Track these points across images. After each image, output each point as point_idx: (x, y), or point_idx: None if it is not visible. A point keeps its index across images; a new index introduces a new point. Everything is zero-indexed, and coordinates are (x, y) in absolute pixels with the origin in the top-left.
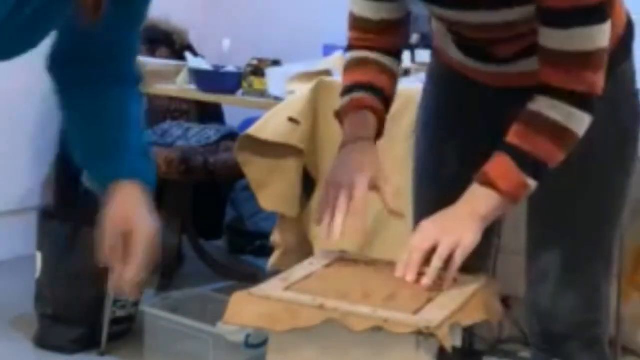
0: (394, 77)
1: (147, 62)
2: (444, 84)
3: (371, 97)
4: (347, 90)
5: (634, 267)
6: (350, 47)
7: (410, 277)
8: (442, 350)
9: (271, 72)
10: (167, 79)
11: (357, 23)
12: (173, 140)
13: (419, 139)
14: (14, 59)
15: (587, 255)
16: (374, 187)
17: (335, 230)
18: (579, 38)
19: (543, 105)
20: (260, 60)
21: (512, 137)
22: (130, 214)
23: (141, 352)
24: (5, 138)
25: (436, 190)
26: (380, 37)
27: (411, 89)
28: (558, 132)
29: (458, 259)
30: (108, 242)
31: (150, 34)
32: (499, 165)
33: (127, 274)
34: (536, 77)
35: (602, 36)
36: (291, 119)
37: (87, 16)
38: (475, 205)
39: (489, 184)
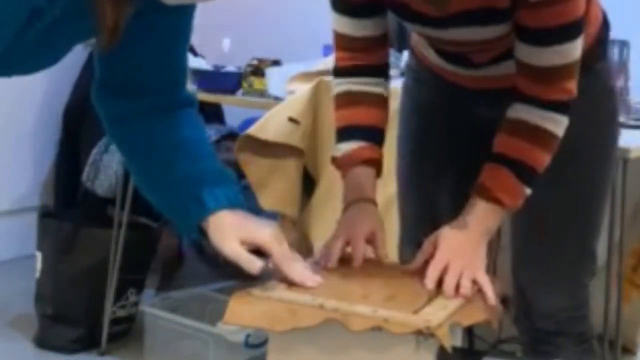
0: (385, 102)
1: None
2: (422, 81)
3: (365, 145)
4: (342, 135)
5: (634, 267)
6: (337, 69)
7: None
8: (442, 350)
9: (271, 72)
10: None
11: (342, 42)
12: None
13: (400, 138)
14: (35, 73)
15: (572, 252)
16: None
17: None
18: (557, 54)
19: (525, 113)
20: (260, 60)
21: (505, 148)
22: (240, 232)
23: (141, 352)
24: (5, 138)
25: (417, 188)
26: (365, 54)
27: None
28: (544, 138)
29: (466, 282)
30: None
31: None
32: (501, 180)
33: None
34: (509, 80)
35: (578, 47)
36: (291, 119)
37: (104, 39)
38: (485, 223)
39: (494, 200)
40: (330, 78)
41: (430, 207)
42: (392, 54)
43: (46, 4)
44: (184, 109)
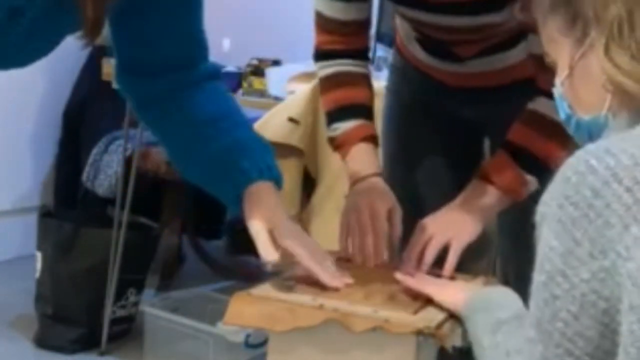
0: (369, 82)
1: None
2: (407, 80)
3: (362, 123)
4: (338, 115)
5: None
6: (322, 52)
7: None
8: (442, 350)
9: (271, 72)
10: None
11: (327, 25)
12: None
13: (385, 137)
14: (29, 65)
15: None
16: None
17: (367, 252)
18: None
19: (542, 105)
20: (260, 60)
21: (511, 135)
22: (272, 216)
23: (141, 352)
24: (5, 138)
25: (402, 187)
26: (349, 37)
27: None
28: (557, 130)
29: (452, 256)
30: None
31: None
32: (496, 162)
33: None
34: (493, 78)
35: None
36: (291, 119)
37: (87, 32)
38: (475, 201)
39: (486, 179)
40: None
41: (416, 205)
42: (384, 49)
43: (25, 2)
44: (209, 81)
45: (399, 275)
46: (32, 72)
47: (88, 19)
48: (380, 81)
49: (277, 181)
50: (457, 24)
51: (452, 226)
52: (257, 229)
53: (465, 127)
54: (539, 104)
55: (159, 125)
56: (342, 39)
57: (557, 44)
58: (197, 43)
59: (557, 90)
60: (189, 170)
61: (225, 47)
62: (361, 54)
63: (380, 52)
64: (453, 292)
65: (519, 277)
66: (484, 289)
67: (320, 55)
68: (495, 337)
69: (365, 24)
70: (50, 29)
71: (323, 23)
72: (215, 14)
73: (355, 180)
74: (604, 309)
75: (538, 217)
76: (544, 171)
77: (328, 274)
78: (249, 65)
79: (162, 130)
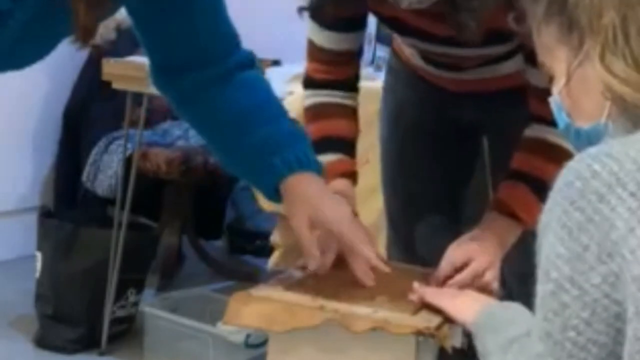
0: (355, 115)
1: (147, 62)
2: (404, 81)
3: (342, 157)
4: (319, 147)
5: None
6: (311, 80)
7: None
8: (442, 350)
9: (271, 72)
10: None
11: (319, 54)
12: (173, 140)
13: (383, 138)
14: (24, 68)
15: None
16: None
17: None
18: None
19: (541, 131)
20: (260, 60)
21: (523, 165)
22: (315, 212)
23: (141, 352)
24: (5, 138)
25: (402, 188)
26: (340, 68)
27: None
28: (562, 156)
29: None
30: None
31: None
32: (519, 196)
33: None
34: (493, 83)
35: None
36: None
37: (78, 38)
38: (503, 237)
39: (514, 216)
40: None
41: (416, 206)
42: (384, 49)
43: (12, 5)
44: (242, 72)
45: (415, 285)
46: (32, 72)
47: (80, 24)
48: (380, 81)
49: (317, 170)
50: (461, 54)
51: (488, 254)
52: (298, 231)
53: (464, 127)
54: (539, 131)
55: (197, 120)
56: (332, 69)
57: (552, 53)
58: (223, 35)
59: (555, 100)
60: (228, 164)
61: None
62: (351, 84)
63: (381, 52)
64: (465, 306)
65: (518, 278)
66: (492, 305)
67: (310, 83)
68: (506, 357)
69: (357, 53)
70: (43, 33)
71: (315, 52)
72: None
73: None
74: (617, 313)
75: (540, 226)
76: None
77: (362, 269)
78: None
79: (200, 126)
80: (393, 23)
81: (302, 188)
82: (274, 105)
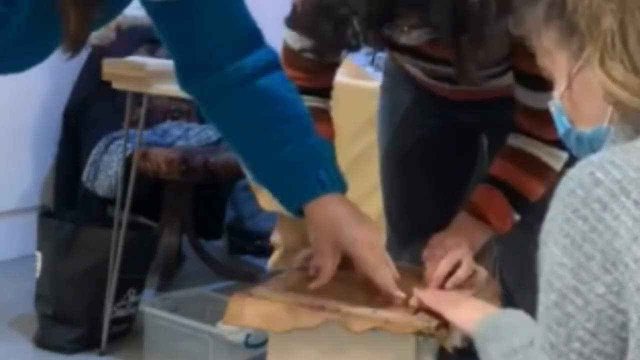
0: (330, 118)
1: (147, 62)
2: (401, 85)
3: None
4: None
5: None
6: None
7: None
8: (442, 350)
9: None
10: (167, 79)
11: (296, 61)
12: (173, 140)
13: (381, 139)
14: (23, 71)
15: None
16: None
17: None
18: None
19: (524, 143)
20: None
21: (502, 173)
22: (339, 239)
23: (141, 352)
24: (6, 138)
25: (399, 189)
26: (318, 76)
27: None
28: (541, 170)
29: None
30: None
31: (150, 34)
32: (492, 201)
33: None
34: (489, 93)
35: None
36: None
37: (68, 45)
38: (472, 238)
39: (482, 218)
40: None
41: (414, 206)
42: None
43: (5, 10)
44: (264, 76)
45: (416, 290)
46: (32, 72)
47: (71, 33)
48: (379, 81)
49: (341, 190)
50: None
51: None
52: (321, 255)
53: (462, 128)
54: (522, 142)
55: (223, 122)
56: (309, 77)
57: (553, 57)
58: (248, 32)
59: (556, 104)
60: (251, 173)
61: None
62: (326, 92)
63: (380, 52)
64: (466, 313)
65: (517, 280)
66: (494, 313)
67: None
68: None
69: (337, 65)
70: (39, 36)
71: (292, 58)
72: None
73: None
74: (622, 323)
75: (542, 235)
76: (527, 207)
77: (390, 284)
78: None
79: (225, 128)
80: (387, 42)
81: (325, 212)
82: (296, 117)
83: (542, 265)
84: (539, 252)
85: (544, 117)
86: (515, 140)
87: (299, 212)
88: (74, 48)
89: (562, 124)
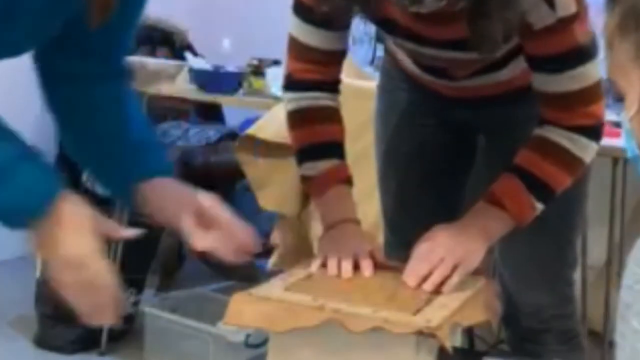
0: (340, 117)
1: (147, 62)
2: (398, 83)
3: (338, 163)
4: (309, 154)
5: None
6: (291, 82)
7: (413, 283)
8: (442, 350)
9: (271, 72)
10: (167, 79)
11: (304, 53)
12: (173, 140)
13: (378, 138)
14: (24, 53)
15: (549, 247)
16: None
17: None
18: (572, 79)
19: (549, 131)
20: (260, 60)
21: (522, 161)
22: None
23: (141, 352)
24: None
25: (396, 187)
26: (326, 67)
27: None
28: (567, 159)
29: (456, 277)
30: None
31: (150, 34)
32: (509, 187)
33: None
34: (486, 90)
35: (593, 70)
36: None
37: (95, 16)
38: (485, 225)
39: (498, 204)
40: None
41: (410, 204)
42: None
43: None
44: (124, 78)
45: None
46: (32, 72)
47: (99, 4)
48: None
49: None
50: (451, 56)
51: (461, 248)
52: (181, 219)
53: (459, 127)
54: (549, 132)
55: (70, 105)
56: (319, 69)
57: (626, 73)
58: (127, 46)
59: (625, 126)
60: (83, 155)
61: (225, 47)
62: (336, 85)
63: (380, 52)
64: None
65: (516, 280)
66: None
67: (293, 84)
68: None
69: (343, 54)
70: (56, 9)
71: (299, 50)
72: (215, 14)
73: (332, 224)
74: None
75: (620, 308)
76: (552, 198)
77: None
78: (249, 65)
79: (69, 111)
80: (384, 24)
81: (171, 189)
82: (143, 116)
83: (622, 344)
84: (615, 332)
85: (565, 101)
86: (539, 130)
87: (131, 196)
88: (103, 15)
89: (630, 149)
